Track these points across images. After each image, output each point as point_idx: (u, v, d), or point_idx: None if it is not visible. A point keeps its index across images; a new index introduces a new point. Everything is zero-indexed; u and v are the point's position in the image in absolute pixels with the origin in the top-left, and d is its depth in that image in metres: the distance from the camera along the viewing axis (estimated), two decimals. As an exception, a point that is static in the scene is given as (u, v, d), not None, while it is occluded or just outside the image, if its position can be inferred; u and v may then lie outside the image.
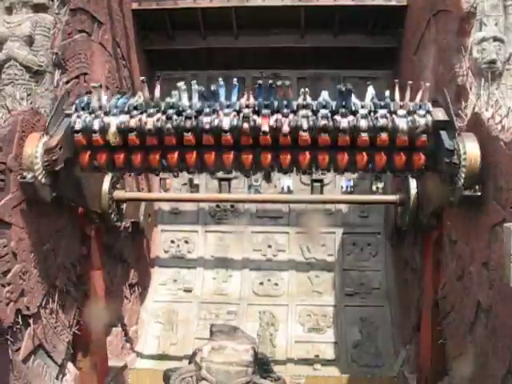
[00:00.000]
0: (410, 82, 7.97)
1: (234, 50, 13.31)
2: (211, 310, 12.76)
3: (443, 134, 7.55)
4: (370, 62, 13.19)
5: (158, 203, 13.34)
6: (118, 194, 10.18)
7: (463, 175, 7.10)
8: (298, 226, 13.34)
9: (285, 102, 7.83)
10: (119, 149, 7.95)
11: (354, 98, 7.77)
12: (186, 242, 13.57)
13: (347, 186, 12.95)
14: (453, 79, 8.38)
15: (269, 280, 13.08)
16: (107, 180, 9.80)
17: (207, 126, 7.67)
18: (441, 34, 9.10)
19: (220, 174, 13.29)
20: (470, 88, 8.05)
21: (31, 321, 7.70)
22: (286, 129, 7.66)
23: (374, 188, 12.99)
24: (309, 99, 7.89)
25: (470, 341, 7.41)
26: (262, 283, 13.07)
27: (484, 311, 6.95)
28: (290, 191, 13.02)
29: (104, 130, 7.74)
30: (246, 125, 7.73)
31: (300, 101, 7.87)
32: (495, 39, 8.75)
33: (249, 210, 13.55)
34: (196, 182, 13.46)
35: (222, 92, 8.02)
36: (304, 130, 7.63)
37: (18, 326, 7.36)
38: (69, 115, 7.97)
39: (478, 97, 7.66)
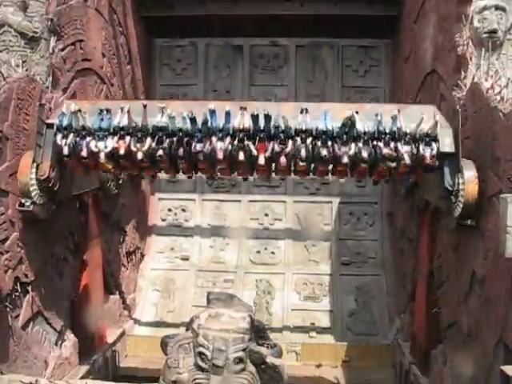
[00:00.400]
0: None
1: (233, 18, 13.13)
2: (208, 278, 12.87)
3: (446, 170, 7.42)
4: (369, 31, 13.05)
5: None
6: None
7: (459, 210, 7.15)
8: (295, 195, 13.35)
9: (282, 127, 7.16)
10: (113, 167, 7.81)
11: (357, 123, 7.15)
12: (183, 210, 13.61)
13: None
14: (453, 49, 8.30)
15: (265, 248, 13.17)
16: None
17: (201, 157, 7.23)
18: (441, 3, 8.98)
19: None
20: (470, 58, 7.97)
21: (30, 288, 7.75)
22: (283, 161, 7.20)
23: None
24: (308, 120, 7.26)
25: (463, 310, 7.50)
26: (258, 252, 13.16)
27: (478, 281, 7.01)
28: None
29: (94, 155, 7.43)
30: (241, 155, 7.19)
31: (299, 123, 7.21)
32: (497, 8, 8.60)
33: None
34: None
35: (214, 119, 7.27)
36: (302, 160, 7.16)
37: (17, 294, 7.41)
38: (51, 126, 7.62)
39: (477, 67, 7.60)
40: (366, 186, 13.21)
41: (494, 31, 8.39)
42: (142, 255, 13.13)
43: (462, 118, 7.78)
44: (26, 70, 7.84)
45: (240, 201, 13.52)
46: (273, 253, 13.12)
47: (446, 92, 8.63)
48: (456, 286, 7.88)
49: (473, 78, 7.56)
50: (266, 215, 13.40)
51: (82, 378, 8.91)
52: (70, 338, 9.14)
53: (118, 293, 11.65)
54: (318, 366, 11.25)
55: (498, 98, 6.73)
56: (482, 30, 8.42)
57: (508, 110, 6.42)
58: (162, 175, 13.26)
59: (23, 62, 7.91)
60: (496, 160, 6.62)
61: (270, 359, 4.71)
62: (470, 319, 7.22)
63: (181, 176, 13.52)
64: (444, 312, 8.44)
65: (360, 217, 13.23)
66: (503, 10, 8.64)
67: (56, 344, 8.65)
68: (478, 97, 7.22)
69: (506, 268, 6.08)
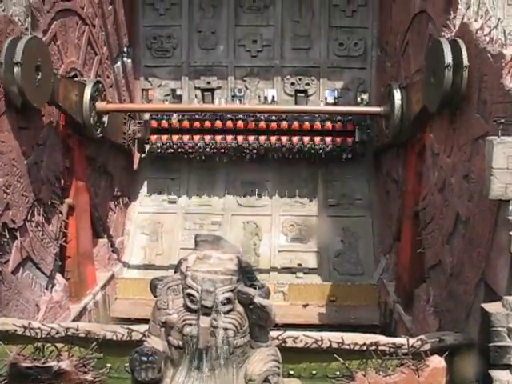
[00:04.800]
0: None
1: None
2: (196, 220, 12.96)
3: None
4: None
5: (141, 115, 13.12)
6: (100, 105, 9.99)
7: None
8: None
9: None
10: None
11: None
12: (173, 159, 13.47)
13: (333, 97, 12.84)
14: (442, -13, 8.13)
15: (252, 191, 13.21)
16: (88, 91, 9.57)
17: None
18: None
19: (203, 85, 13.24)
20: (460, -3, 7.82)
21: (18, 234, 7.76)
22: None
23: (358, 99, 12.97)
24: None
25: (447, 250, 7.65)
26: (245, 194, 13.20)
27: (462, 222, 7.12)
28: (273, 101, 12.88)
29: None
30: None
31: None
32: None
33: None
34: (179, 92, 13.27)
35: None
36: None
37: (5, 239, 7.43)
38: None
39: (467, 7, 7.45)
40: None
41: (485, -31, 8.20)
42: (130, 199, 13.14)
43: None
44: (4, 11, 7.58)
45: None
46: (259, 195, 13.18)
47: (434, 32, 8.49)
48: (440, 227, 8.00)
49: (462, 19, 7.43)
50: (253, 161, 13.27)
51: (74, 320, 9.07)
52: (60, 282, 9.24)
53: (106, 236, 11.72)
54: (305, 305, 11.53)
55: (487, 38, 6.64)
56: (472, -32, 8.24)
57: (497, 51, 6.34)
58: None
59: (0, 2, 7.64)
60: (483, 102, 6.60)
61: (257, 300, 4.79)
62: (453, 259, 7.37)
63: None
64: (428, 252, 8.60)
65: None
66: None
67: (47, 288, 8.76)
68: (466, 38, 7.12)
69: (490, 209, 6.17)
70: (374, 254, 12.35)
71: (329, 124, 12.40)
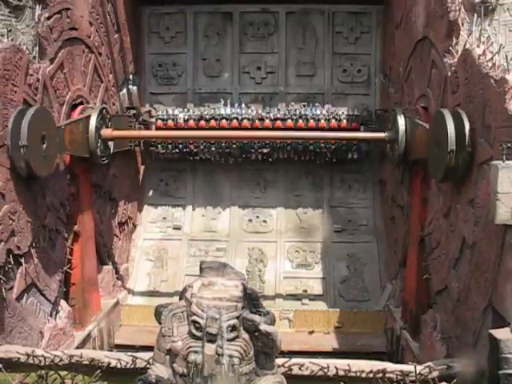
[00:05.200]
0: None
1: None
2: (200, 247, 12.92)
3: None
4: (360, -3, 12.91)
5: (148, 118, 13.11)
6: (105, 132, 10.07)
7: None
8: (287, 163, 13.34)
9: None
10: None
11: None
12: (175, 180, 13.57)
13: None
14: (445, 14, 8.21)
15: (257, 217, 13.22)
16: (93, 123, 9.64)
17: None
18: (433, -33, 8.86)
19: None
20: (462, 24, 7.90)
21: (23, 260, 7.76)
22: None
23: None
24: None
25: (453, 276, 7.59)
26: (250, 220, 13.20)
27: (468, 247, 7.09)
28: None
29: None
30: None
31: None
32: (488, -27, 8.55)
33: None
34: (184, 119, 13.34)
35: None
36: None
37: (10, 266, 7.42)
38: None
39: (469, 33, 7.53)
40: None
41: (486, -4, 8.34)
42: (134, 225, 13.14)
43: (453, 85, 7.77)
44: (12, 40, 7.70)
45: (232, 169, 13.48)
46: (265, 221, 13.17)
47: (437, 59, 8.57)
48: (446, 252, 7.96)
49: (464, 45, 7.50)
50: (258, 184, 13.39)
51: (78, 347, 9.01)
52: (65, 309, 9.20)
53: (111, 263, 11.69)
54: (311, 332, 11.42)
55: (490, 64, 6.69)
56: (473, -5, 8.37)
57: (499, 76, 6.38)
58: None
59: (8, 31, 7.77)
60: (487, 127, 6.62)
61: (263, 326, 4.75)
62: (460, 285, 7.31)
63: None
64: (434, 278, 8.54)
65: (351, 184, 13.27)
66: (495, -26, 8.58)
67: (51, 315, 8.71)
68: (469, 63, 7.18)
69: (496, 234, 6.14)
70: (379, 279, 12.26)
71: (334, 122, 12.41)
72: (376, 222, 12.97)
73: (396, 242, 11.48)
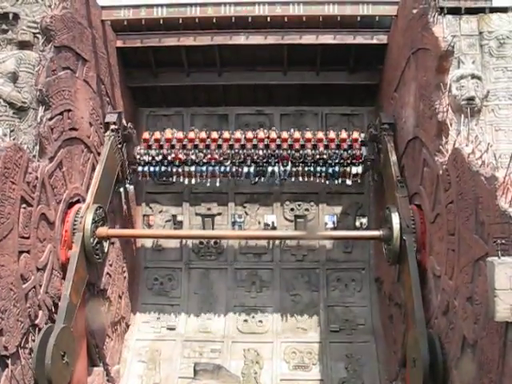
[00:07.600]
0: None
1: (218, 87, 13.47)
2: (195, 348, 12.55)
3: None
4: (351, 99, 13.43)
5: (141, 240, 13.22)
6: (101, 230, 10.08)
7: None
8: (282, 262, 13.33)
9: None
10: None
11: None
12: (170, 279, 13.44)
13: (333, 222, 13.01)
14: (433, 115, 8.53)
15: (253, 317, 12.96)
16: (89, 217, 9.70)
17: None
18: (420, 72, 9.30)
19: (204, 211, 13.46)
20: (451, 124, 8.20)
21: (9, 361, 7.49)
22: None
23: (357, 223, 13.13)
24: None
25: (456, 376, 7.34)
26: (246, 320, 12.93)
27: (470, 346, 6.91)
28: (273, 227, 13.03)
29: None
30: None
31: None
32: (473, 77, 8.96)
33: (232, 247, 13.52)
34: (179, 218, 13.46)
35: None
36: None
37: (-5, 368, 7.18)
38: None
39: (458, 133, 7.79)
40: (353, 251, 13.29)
41: (472, 98, 8.71)
42: (127, 325, 12.83)
43: (445, 183, 7.92)
44: (14, 139, 7.90)
45: (226, 268, 13.44)
46: (260, 321, 12.90)
47: (428, 157, 8.80)
48: (447, 351, 7.74)
49: (454, 144, 7.74)
50: (254, 283, 13.28)
51: None
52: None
53: (102, 364, 11.28)
54: None
55: (479, 162, 6.86)
56: (460, 98, 8.74)
57: (489, 174, 6.53)
58: (148, 243, 13.35)
59: (11, 131, 8.01)
60: (480, 223, 6.67)
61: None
62: (463, 385, 7.06)
63: (167, 244, 13.57)
64: (436, 379, 8.25)
65: (348, 283, 13.16)
66: (479, 78, 9.01)
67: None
68: (459, 162, 7.36)
69: (497, 332, 6.01)
70: (379, 381, 11.83)
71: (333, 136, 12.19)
72: (373, 321, 12.72)
73: (395, 342, 11.19)
